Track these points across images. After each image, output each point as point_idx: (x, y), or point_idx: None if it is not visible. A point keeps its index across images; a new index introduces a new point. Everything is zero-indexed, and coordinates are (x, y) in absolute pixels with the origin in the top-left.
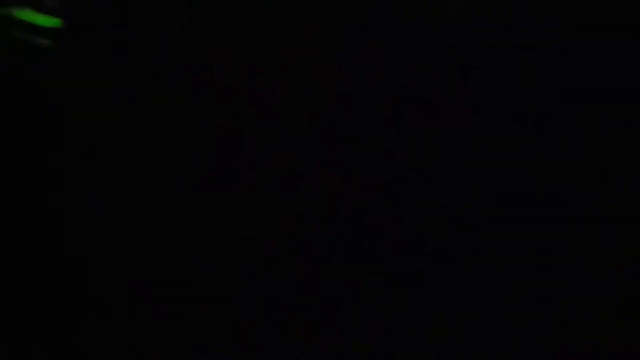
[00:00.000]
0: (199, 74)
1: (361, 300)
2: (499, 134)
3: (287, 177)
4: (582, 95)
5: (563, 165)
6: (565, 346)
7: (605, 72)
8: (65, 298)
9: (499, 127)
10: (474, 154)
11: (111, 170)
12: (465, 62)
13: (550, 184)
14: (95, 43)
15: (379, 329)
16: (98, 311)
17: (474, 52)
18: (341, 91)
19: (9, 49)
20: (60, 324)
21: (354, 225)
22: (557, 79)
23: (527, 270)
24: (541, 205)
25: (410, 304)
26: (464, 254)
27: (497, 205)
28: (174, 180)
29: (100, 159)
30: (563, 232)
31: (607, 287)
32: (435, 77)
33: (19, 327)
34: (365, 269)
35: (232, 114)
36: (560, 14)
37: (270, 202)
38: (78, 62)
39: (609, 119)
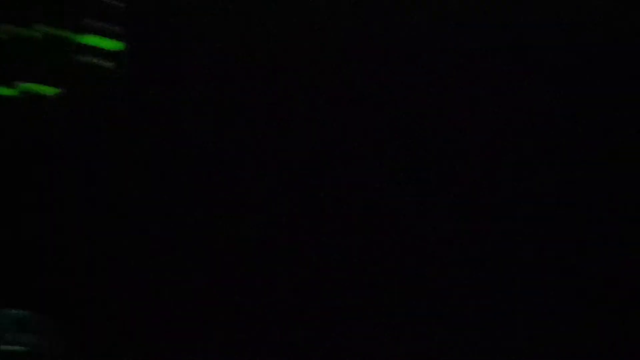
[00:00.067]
0: (257, 92)
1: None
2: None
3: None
4: (582, 96)
5: (565, 166)
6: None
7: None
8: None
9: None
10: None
11: (186, 179)
12: (466, 64)
13: (551, 185)
14: (157, 65)
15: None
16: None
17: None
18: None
19: (75, 71)
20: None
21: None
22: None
23: (534, 271)
24: (544, 206)
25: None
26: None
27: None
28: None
29: (169, 168)
30: (564, 233)
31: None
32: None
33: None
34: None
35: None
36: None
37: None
38: (141, 83)
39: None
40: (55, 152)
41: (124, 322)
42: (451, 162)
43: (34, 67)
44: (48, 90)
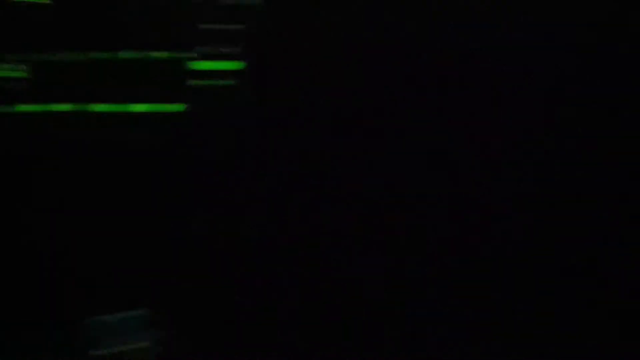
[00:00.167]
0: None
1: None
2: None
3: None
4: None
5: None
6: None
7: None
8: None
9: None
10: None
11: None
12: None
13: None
14: (274, 83)
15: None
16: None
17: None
18: None
19: (193, 92)
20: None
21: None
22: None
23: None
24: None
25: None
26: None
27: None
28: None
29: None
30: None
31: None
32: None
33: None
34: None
35: None
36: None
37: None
38: (261, 99)
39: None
40: (182, 164)
41: (242, 321)
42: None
43: (158, 87)
44: (174, 108)
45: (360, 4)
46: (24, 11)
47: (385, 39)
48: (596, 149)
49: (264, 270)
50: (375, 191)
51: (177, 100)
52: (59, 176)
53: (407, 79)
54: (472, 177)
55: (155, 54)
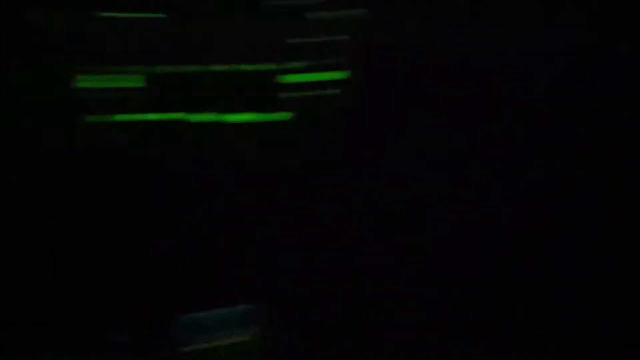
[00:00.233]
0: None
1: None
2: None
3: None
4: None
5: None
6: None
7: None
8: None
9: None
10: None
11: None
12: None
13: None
14: (377, 92)
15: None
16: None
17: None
18: None
19: (301, 98)
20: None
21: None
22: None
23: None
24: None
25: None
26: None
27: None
28: None
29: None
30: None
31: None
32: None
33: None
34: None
35: None
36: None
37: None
38: (363, 110)
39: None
40: (291, 168)
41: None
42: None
43: (264, 97)
44: (282, 117)
45: (463, 15)
46: (140, 26)
47: (488, 49)
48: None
49: (367, 267)
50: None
51: (280, 110)
52: (165, 179)
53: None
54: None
55: (259, 67)
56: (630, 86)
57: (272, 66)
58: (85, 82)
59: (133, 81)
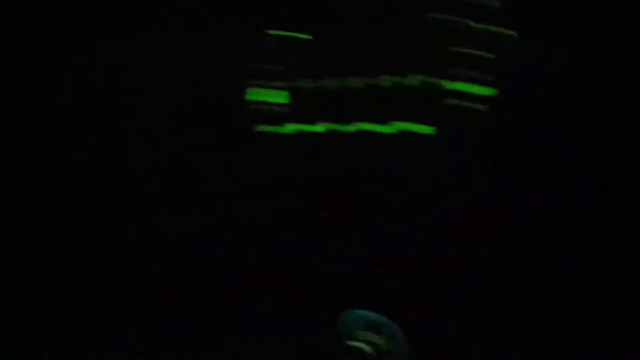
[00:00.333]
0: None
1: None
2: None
3: None
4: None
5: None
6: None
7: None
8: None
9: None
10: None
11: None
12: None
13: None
14: (522, 113)
15: None
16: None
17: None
18: None
19: (447, 113)
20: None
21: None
22: None
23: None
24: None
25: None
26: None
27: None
28: None
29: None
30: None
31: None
32: None
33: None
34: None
35: None
36: None
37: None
38: (505, 128)
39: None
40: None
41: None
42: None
43: (410, 109)
44: (422, 129)
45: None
46: (285, 45)
47: None
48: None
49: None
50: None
51: (428, 122)
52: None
53: None
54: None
55: (411, 79)
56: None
57: (423, 78)
58: (251, 94)
59: (279, 97)
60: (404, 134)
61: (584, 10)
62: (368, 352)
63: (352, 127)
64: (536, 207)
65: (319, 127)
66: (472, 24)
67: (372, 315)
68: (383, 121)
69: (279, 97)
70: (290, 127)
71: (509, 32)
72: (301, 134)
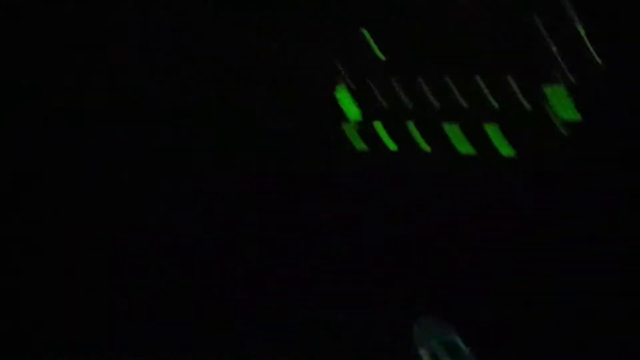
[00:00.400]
0: None
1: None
2: None
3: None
4: None
5: None
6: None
7: None
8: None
9: None
10: None
11: None
12: None
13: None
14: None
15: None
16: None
17: None
18: None
19: (534, 135)
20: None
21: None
22: None
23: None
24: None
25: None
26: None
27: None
28: None
29: None
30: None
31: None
32: None
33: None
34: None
35: None
36: None
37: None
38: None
39: None
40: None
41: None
42: None
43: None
44: (506, 151)
45: None
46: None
47: None
48: None
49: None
50: None
51: (513, 143)
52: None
53: None
54: None
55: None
56: None
57: (512, 100)
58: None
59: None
60: (485, 152)
61: None
62: None
63: (435, 135)
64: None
65: (400, 131)
66: (562, 48)
67: (452, 336)
68: (465, 136)
69: (367, 98)
70: (374, 126)
71: (597, 57)
72: (383, 135)
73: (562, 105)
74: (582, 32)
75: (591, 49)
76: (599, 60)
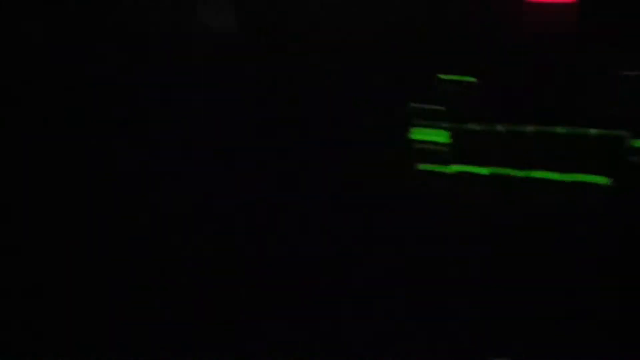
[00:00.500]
0: None
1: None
2: None
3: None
4: None
5: None
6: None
7: None
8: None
9: None
10: None
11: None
12: None
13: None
14: None
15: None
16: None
17: None
18: None
19: (626, 167)
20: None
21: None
22: None
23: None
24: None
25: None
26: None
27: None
28: None
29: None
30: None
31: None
32: None
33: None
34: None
35: None
36: None
37: None
38: None
39: None
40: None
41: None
42: None
43: (587, 159)
44: (598, 180)
45: None
46: (451, 88)
47: None
48: None
49: None
50: None
51: (606, 173)
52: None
53: None
54: None
55: (589, 131)
56: None
57: (604, 131)
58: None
59: (440, 136)
60: (578, 184)
61: None
62: None
63: (522, 173)
64: None
65: (484, 170)
66: None
67: None
68: (556, 169)
69: (443, 137)
70: (454, 168)
71: None
72: (464, 174)
73: None
74: None
75: None
76: None
